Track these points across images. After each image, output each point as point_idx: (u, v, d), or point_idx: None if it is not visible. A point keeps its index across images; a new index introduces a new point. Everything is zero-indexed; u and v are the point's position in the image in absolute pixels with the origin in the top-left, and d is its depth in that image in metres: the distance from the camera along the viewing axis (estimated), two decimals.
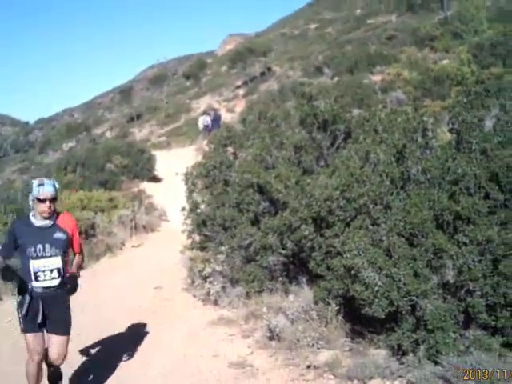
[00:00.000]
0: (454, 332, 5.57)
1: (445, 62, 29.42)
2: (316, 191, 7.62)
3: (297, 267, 8.24)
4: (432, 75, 26.47)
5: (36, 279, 5.49)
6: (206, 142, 17.65)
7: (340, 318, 6.66)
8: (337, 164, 8.41)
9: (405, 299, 5.66)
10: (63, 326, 5.70)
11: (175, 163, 21.82)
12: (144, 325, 8.62)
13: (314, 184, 7.94)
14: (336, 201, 7.31)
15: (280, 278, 8.37)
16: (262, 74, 46.68)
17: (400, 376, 5.62)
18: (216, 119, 29.15)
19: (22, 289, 5.54)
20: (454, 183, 6.46)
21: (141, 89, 76.69)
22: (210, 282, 9.17)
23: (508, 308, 5.50)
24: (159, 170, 25.03)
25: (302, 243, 7.56)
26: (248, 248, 8.82)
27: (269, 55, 49.04)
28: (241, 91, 45.75)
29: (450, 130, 7.73)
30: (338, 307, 6.64)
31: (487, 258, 5.65)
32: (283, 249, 8.08)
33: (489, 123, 8.06)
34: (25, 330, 5.54)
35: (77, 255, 5.97)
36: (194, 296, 9.57)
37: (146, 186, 22.21)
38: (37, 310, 5.53)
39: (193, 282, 9.81)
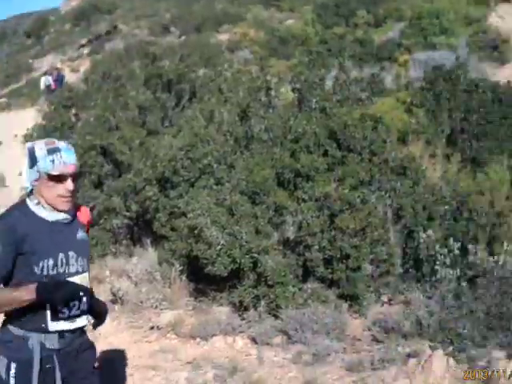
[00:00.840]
0: (294, 286, 5.73)
1: (290, 21, 30.02)
2: (160, 152, 7.55)
3: (141, 229, 8.13)
4: (278, 35, 26.92)
5: (54, 317, 2.78)
6: (47, 103, 16.84)
7: (184, 278, 6.63)
8: (181, 124, 8.37)
9: (247, 256, 5.72)
10: None
11: (15, 125, 20.79)
12: None
13: (159, 145, 7.87)
14: (180, 161, 7.28)
15: (124, 241, 8.20)
16: (108, 32, 45.10)
17: (241, 332, 5.71)
18: (59, 79, 27.96)
19: (15, 344, 2.77)
20: (295, 141, 6.61)
21: None
22: None
23: (343, 261, 5.74)
24: None
25: (147, 204, 7.47)
26: (91, 211, 8.56)
27: (115, 13, 47.50)
28: (85, 50, 43.97)
29: (293, 90, 7.89)
30: (181, 267, 6.61)
31: (325, 214, 5.86)
32: (127, 211, 7.93)
33: (329, 82, 8.33)
34: None
35: None
36: None
37: None
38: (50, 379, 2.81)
39: None
